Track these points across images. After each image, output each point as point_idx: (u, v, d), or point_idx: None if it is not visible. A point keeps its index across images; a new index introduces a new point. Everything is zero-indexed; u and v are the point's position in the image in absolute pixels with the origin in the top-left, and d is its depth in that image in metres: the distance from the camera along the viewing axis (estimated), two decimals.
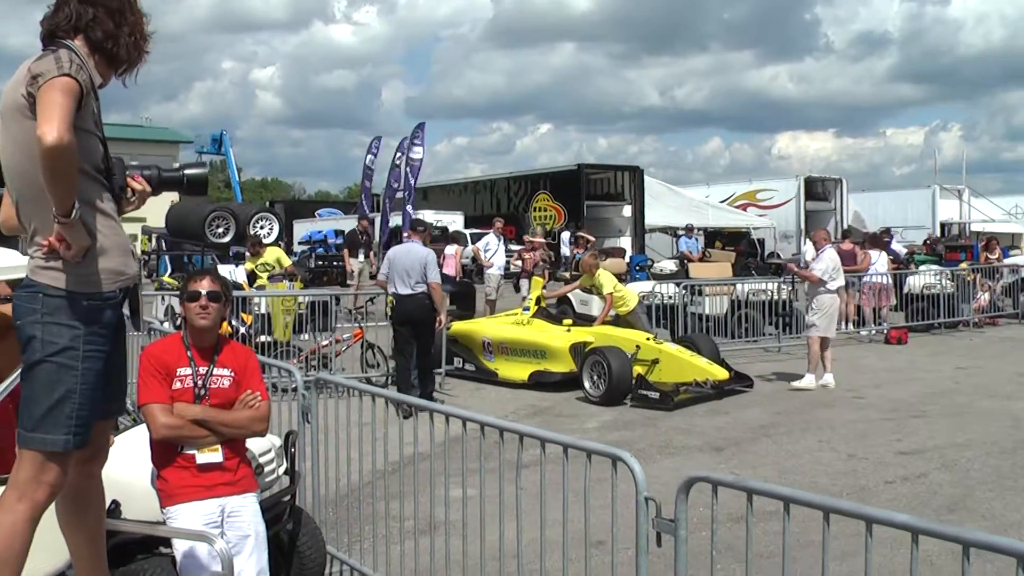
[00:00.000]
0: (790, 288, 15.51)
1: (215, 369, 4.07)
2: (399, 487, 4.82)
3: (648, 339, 11.49)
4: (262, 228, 13.72)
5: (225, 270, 13.52)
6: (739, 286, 15.78)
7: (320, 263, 28.75)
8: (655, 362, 11.10)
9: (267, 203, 54.51)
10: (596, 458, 3.55)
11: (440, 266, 16.76)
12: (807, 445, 8.75)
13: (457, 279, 18.01)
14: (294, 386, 5.34)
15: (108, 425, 3.38)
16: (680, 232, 28.52)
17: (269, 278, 14.35)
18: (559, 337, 11.86)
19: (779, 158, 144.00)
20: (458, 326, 12.69)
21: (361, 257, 19.99)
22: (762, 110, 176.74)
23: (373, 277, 15.86)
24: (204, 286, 4.11)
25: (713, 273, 18.16)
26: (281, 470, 4.84)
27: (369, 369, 11.83)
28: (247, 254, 14.78)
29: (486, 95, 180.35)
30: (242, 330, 11.29)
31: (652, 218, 32.79)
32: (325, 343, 11.77)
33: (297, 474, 4.93)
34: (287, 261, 15.96)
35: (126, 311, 3.29)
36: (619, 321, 12.27)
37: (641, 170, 33.85)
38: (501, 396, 11.18)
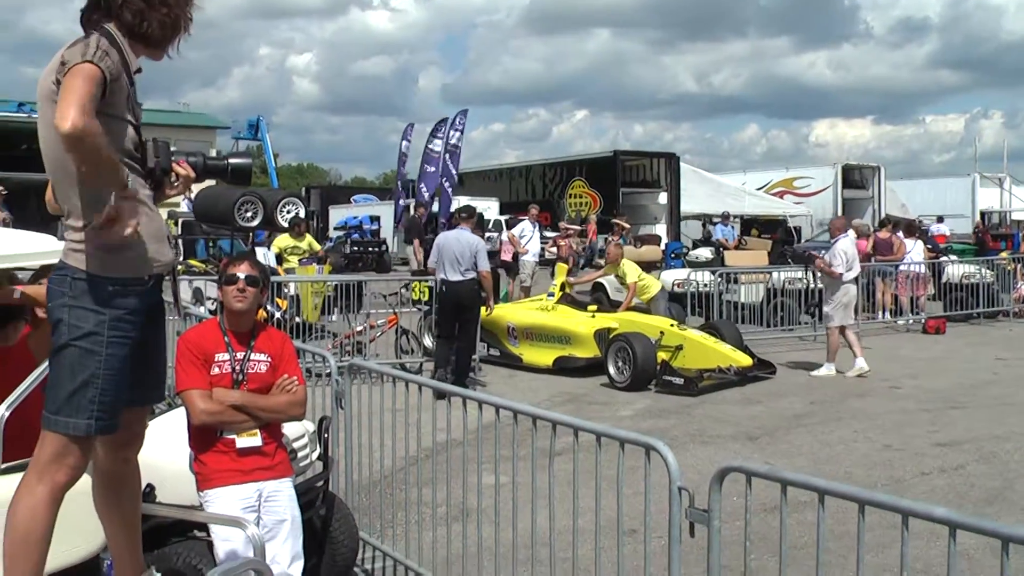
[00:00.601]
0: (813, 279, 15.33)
1: (252, 354, 4.09)
2: (432, 473, 4.83)
3: (672, 325, 11.61)
4: (288, 213, 13.89)
5: (259, 253, 13.68)
6: (774, 274, 15.62)
7: (356, 248, 28.86)
8: (679, 348, 11.19)
9: (303, 189, 54.90)
10: (629, 447, 3.53)
11: (498, 252, 16.87)
12: (842, 435, 8.66)
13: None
14: (328, 371, 5.36)
15: (144, 412, 3.36)
16: (716, 220, 28.31)
17: (300, 262, 14.54)
18: (583, 323, 11.97)
19: (816, 145, 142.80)
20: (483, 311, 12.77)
21: (416, 244, 20.14)
22: (799, 97, 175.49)
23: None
24: (243, 270, 4.14)
25: (748, 261, 17.98)
26: (314, 455, 4.86)
27: (403, 355, 11.87)
28: (288, 235, 15.02)
29: (522, 81, 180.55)
30: (277, 315, 11.36)
31: (688, 205, 32.57)
32: (360, 329, 11.81)
33: (330, 459, 4.96)
34: (317, 246, 16.28)
35: (169, 298, 3.28)
36: (639, 307, 12.44)
37: (677, 157, 33.62)
38: (534, 383, 11.17)
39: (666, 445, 3.29)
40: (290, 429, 4.49)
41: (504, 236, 20.94)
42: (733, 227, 27.23)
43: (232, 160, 3.33)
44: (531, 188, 36.52)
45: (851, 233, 12.44)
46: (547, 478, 3.87)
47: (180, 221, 21.13)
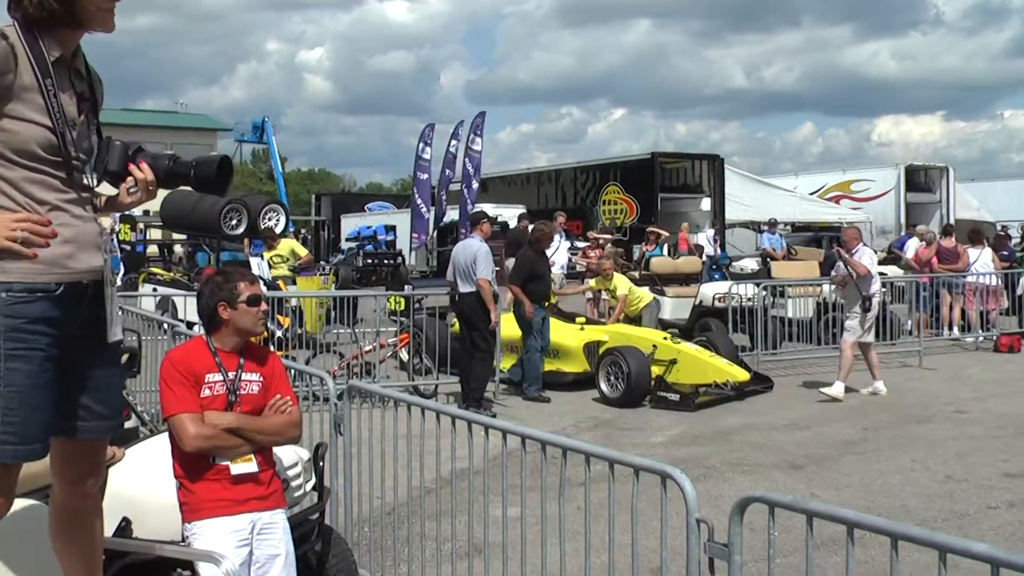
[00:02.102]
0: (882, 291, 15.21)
1: (243, 374, 4.13)
2: (436, 506, 4.84)
3: (665, 338, 12.00)
4: (270, 220, 14.16)
5: (253, 264, 13.93)
6: (826, 287, 15.51)
7: (369, 261, 29.01)
8: (672, 362, 11.50)
9: (312, 196, 55.32)
10: (646, 475, 3.53)
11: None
12: (899, 464, 8.59)
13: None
14: (326, 394, 5.40)
15: (96, 445, 3.29)
16: (763, 227, 28.21)
17: (298, 270, 14.83)
18: (572, 336, 12.31)
19: (879, 145, 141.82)
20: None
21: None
22: (861, 92, 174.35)
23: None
24: (258, 289, 4.20)
25: (798, 273, 17.87)
26: (309, 486, 4.88)
27: (416, 377, 11.90)
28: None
29: (554, 78, 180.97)
30: (279, 333, 11.44)
31: (733, 212, 32.47)
32: (369, 348, 11.87)
33: (326, 490, 4.98)
34: (303, 251, 16.72)
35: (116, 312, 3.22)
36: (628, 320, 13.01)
37: (721, 159, 33.52)
38: (560, 408, 11.18)
39: (683, 473, 3.29)
40: (282, 456, 4.52)
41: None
42: (781, 235, 27.11)
43: (199, 164, 3.26)
44: (561, 194, 36.57)
45: (864, 248, 12.24)
46: (559, 511, 3.88)
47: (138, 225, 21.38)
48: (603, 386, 11.35)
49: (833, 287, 13.06)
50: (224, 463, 3.99)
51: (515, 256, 20.53)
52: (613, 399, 11.18)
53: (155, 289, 14.08)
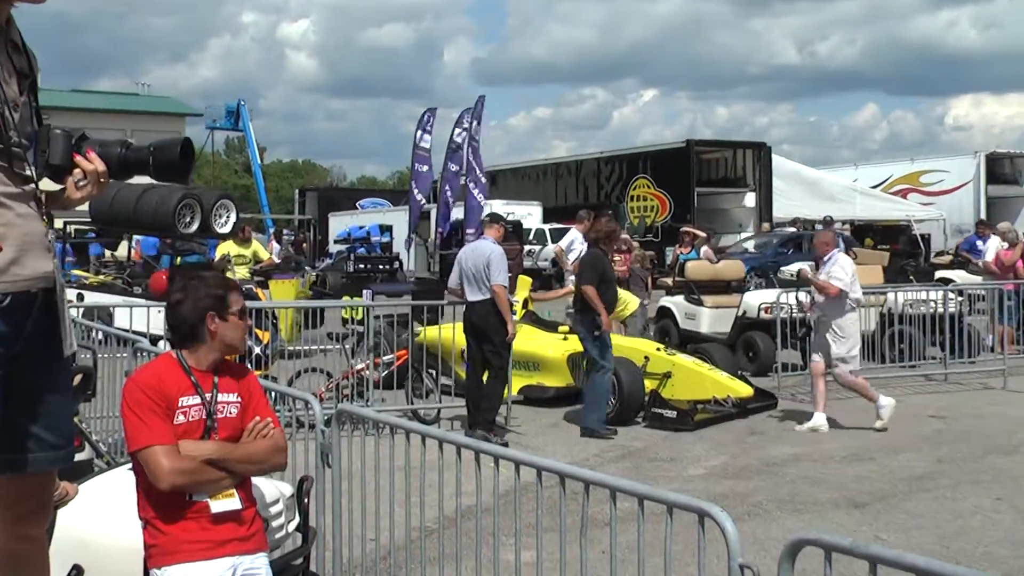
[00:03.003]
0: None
1: (219, 395, 4.08)
2: (439, 549, 4.85)
3: (658, 349, 12.32)
4: (220, 217, 14.26)
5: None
6: (891, 295, 15.50)
7: (361, 266, 29.06)
8: (667, 375, 11.75)
9: (297, 191, 55.59)
10: (681, 514, 3.52)
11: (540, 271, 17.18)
12: (979, 503, 8.56)
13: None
14: (311, 420, 5.41)
15: (43, 480, 3.31)
16: (817, 226, 28.19)
17: (261, 273, 15.24)
18: (554, 346, 12.52)
19: (956, 129, 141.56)
20: (429, 332, 12.88)
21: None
22: (934, 68, 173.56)
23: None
24: (241, 300, 4.19)
25: (859, 279, 17.83)
26: (292, 526, 4.89)
27: (417, 400, 11.93)
28: (232, 242, 16.04)
29: (574, 54, 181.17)
30: (257, 350, 11.46)
31: (782, 208, 32.48)
32: (361, 366, 11.90)
33: (312, 531, 4.99)
34: (265, 254, 17.32)
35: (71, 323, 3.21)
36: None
37: (768, 147, 33.65)
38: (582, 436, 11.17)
39: (724, 511, 3.28)
40: (263, 492, 4.53)
41: (551, 249, 21.08)
42: (838, 235, 27.10)
43: (158, 150, 3.21)
44: (582, 189, 36.71)
45: (840, 251, 11.96)
46: (580, 554, 3.88)
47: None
48: None
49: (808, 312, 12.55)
50: (202, 500, 3.94)
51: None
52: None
53: (80, 296, 13.90)
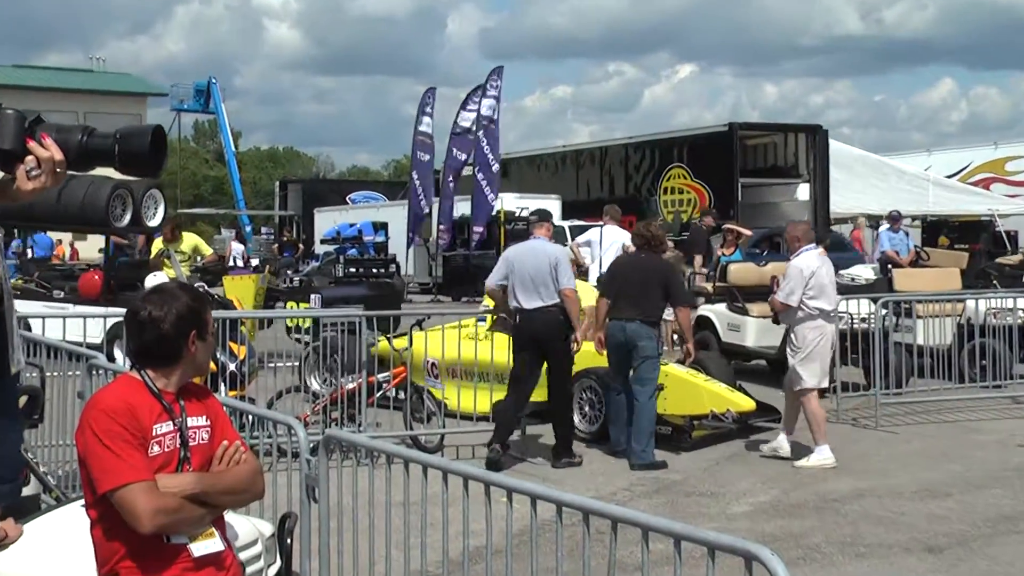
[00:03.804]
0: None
1: (188, 419, 4.07)
2: None
3: None
4: (148, 209, 14.43)
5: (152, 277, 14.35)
6: (971, 303, 15.45)
7: (352, 269, 29.13)
8: (659, 388, 11.71)
9: (277, 183, 55.72)
10: (725, 557, 3.52)
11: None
12: None
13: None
14: (295, 448, 5.42)
15: None
16: (883, 223, 28.13)
17: (228, 270, 15.58)
18: None
19: None
20: (387, 342, 12.90)
21: (698, 264, 20.87)
22: (1021, 36, 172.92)
23: None
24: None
25: (931, 284, 17.79)
26: (272, 570, 4.91)
27: (417, 424, 11.94)
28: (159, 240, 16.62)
29: (598, 25, 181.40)
30: (232, 367, 11.49)
31: (841, 202, 32.41)
32: (352, 387, 11.92)
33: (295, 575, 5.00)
34: (207, 251, 17.93)
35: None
36: None
37: (825, 131, 33.50)
38: (610, 465, 11.19)
39: (775, 554, 3.28)
40: (236, 532, 4.53)
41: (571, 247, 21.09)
42: (908, 233, 27.04)
43: (124, 138, 3.23)
44: (607, 180, 36.63)
45: (815, 248, 11.80)
46: None
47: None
48: (575, 417, 11.95)
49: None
50: (181, 542, 3.92)
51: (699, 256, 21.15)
52: (589, 433, 12.01)
53: None
